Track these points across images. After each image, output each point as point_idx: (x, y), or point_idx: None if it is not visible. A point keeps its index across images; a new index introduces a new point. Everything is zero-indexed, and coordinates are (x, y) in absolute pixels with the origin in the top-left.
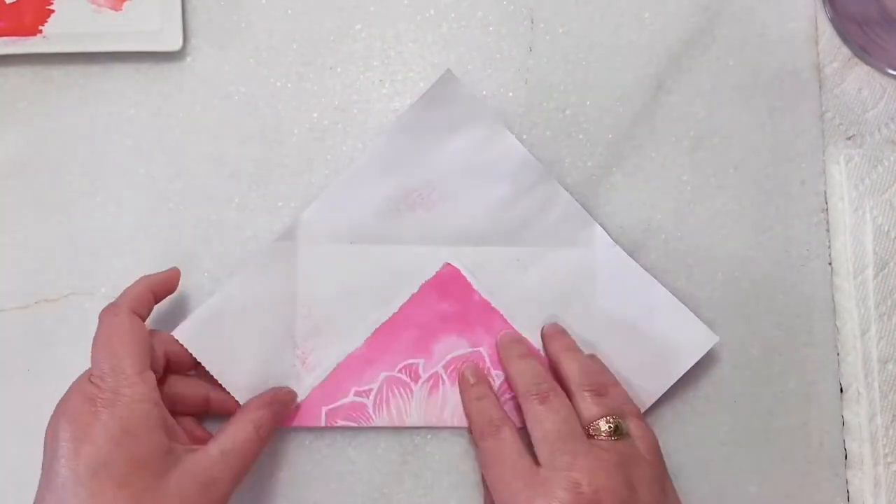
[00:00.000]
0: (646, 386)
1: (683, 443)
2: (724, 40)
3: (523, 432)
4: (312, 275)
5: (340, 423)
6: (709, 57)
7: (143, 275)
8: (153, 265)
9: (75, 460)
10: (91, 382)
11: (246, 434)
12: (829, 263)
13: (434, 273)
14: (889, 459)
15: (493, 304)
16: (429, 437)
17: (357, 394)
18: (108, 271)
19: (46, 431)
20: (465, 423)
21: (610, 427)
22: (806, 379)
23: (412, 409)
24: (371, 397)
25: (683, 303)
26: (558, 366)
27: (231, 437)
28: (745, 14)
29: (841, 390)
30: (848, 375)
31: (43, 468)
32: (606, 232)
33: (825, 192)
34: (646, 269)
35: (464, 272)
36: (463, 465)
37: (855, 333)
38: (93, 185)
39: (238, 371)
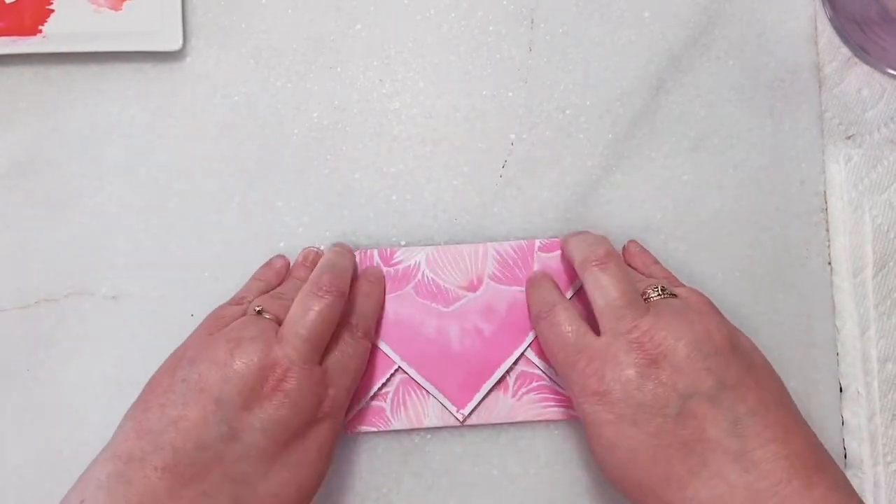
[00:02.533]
0: None
1: None
2: (723, 40)
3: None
4: None
5: (361, 429)
6: (709, 57)
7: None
8: (153, 265)
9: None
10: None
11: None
12: (829, 263)
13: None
14: (888, 459)
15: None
16: (429, 437)
17: (374, 398)
18: (108, 271)
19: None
20: (479, 421)
21: (658, 291)
22: (805, 378)
23: (429, 409)
24: (388, 401)
25: None
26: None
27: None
28: (744, 14)
29: (840, 390)
30: (847, 375)
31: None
32: (606, 232)
33: (825, 192)
34: None
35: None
36: (463, 465)
37: (854, 333)
38: (92, 184)
39: None
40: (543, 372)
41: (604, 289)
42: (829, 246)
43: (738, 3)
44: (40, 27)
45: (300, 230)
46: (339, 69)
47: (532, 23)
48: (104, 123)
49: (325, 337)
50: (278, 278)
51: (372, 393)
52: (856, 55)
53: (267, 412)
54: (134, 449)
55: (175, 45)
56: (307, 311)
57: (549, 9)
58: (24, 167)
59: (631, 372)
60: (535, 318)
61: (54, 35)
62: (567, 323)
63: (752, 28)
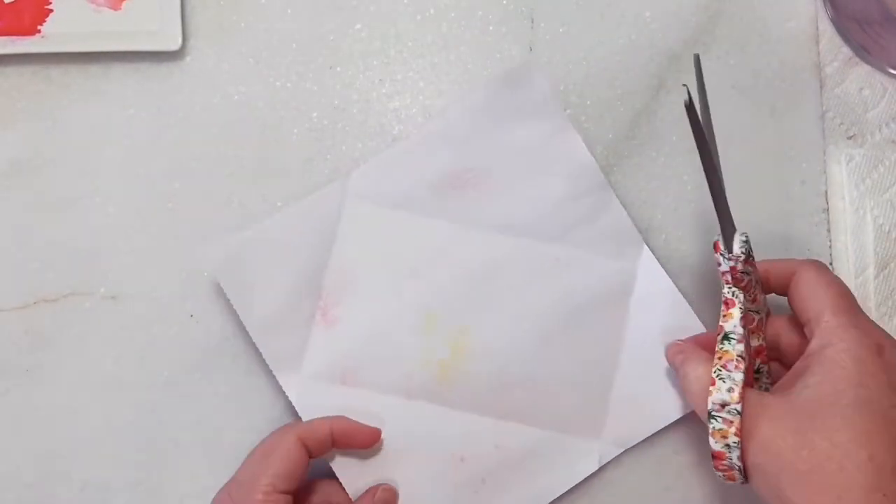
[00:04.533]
0: (659, 408)
1: (685, 443)
2: (724, 40)
3: None
4: (352, 231)
5: None
6: (709, 56)
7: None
8: (153, 265)
9: None
10: (227, 487)
11: None
12: (830, 263)
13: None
14: None
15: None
16: None
17: None
18: (108, 271)
19: None
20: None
21: None
22: None
23: None
24: None
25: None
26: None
27: None
28: (745, 13)
29: None
30: None
31: None
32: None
33: (826, 192)
34: None
35: None
36: None
37: None
38: (92, 184)
39: (256, 305)
40: None
41: None
42: (830, 246)
43: (739, 2)
44: (39, 27)
45: None
46: (338, 69)
47: (532, 22)
48: (103, 123)
49: None
50: None
51: None
52: (857, 55)
53: None
54: None
55: (174, 44)
56: None
57: (549, 8)
58: (23, 167)
59: None
60: None
61: (53, 35)
62: None
63: (752, 28)
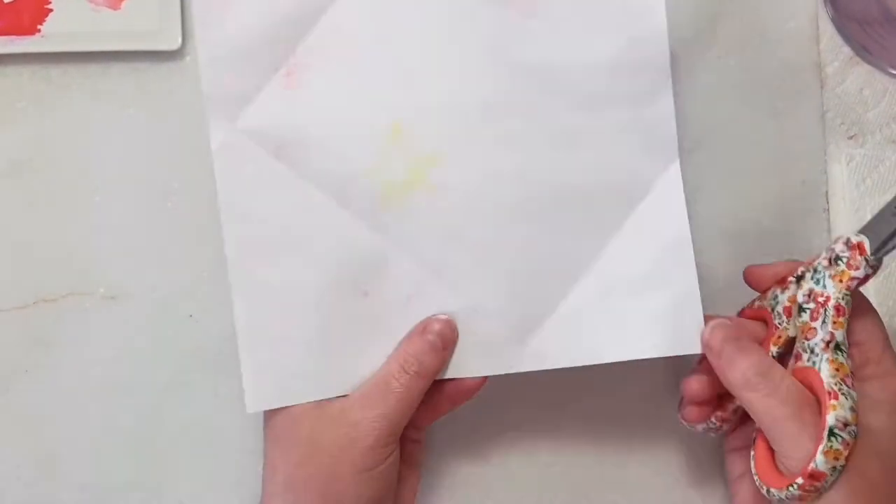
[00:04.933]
0: (596, 342)
1: (685, 443)
2: (724, 40)
3: None
4: None
5: None
6: (709, 56)
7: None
8: (152, 265)
9: None
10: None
11: (387, 370)
12: None
13: None
14: None
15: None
16: (428, 436)
17: None
18: (108, 271)
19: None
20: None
21: None
22: None
23: None
24: None
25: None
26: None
27: (373, 377)
28: (746, 13)
29: None
30: None
31: None
32: None
33: (826, 192)
34: None
35: None
36: (463, 465)
37: None
38: (91, 184)
39: (221, 26)
40: None
41: None
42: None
43: (739, 2)
44: (39, 26)
45: None
46: None
47: None
48: (103, 123)
49: None
50: None
51: None
52: (857, 55)
53: None
54: None
55: (174, 44)
56: None
57: None
58: (23, 166)
59: None
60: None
61: (53, 34)
62: None
63: (753, 27)
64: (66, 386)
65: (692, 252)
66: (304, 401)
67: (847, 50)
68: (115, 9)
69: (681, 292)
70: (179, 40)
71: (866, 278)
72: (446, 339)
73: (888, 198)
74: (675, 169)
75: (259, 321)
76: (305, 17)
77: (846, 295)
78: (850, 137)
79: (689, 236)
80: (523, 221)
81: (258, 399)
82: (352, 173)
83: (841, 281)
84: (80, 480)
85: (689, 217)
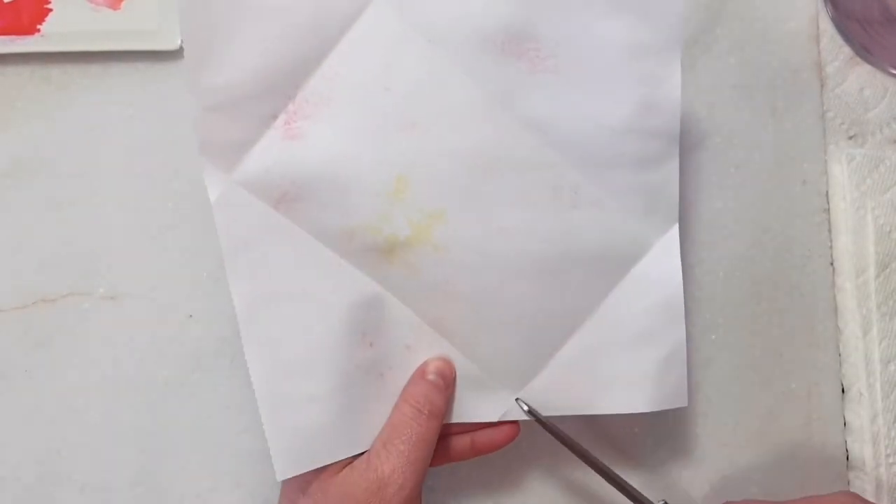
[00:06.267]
0: (590, 393)
1: (685, 443)
2: (725, 39)
3: None
4: (364, 39)
5: None
6: (710, 56)
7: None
8: (152, 265)
9: None
10: None
11: (402, 415)
12: (831, 263)
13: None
14: (891, 461)
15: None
16: None
17: None
18: (107, 271)
19: None
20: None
21: None
22: (807, 379)
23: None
24: None
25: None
26: None
27: (389, 423)
28: (746, 13)
29: (843, 391)
30: (850, 376)
31: None
32: None
33: (827, 192)
34: None
35: None
36: (463, 465)
37: (857, 334)
38: (91, 184)
39: (213, 72)
40: None
41: None
42: (831, 246)
43: (739, 2)
44: (38, 26)
45: None
46: None
47: None
48: (102, 123)
49: None
50: None
51: None
52: (858, 55)
53: None
54: None
55: (173, 44)
56: None
57: None
58: (22, 166)
59: None
60: None
61: (53, 34)
62: None
63: (753, 27)
64: (66, 385)
65: (683, 311)
66: (331, 461)
67: (847, 50)
68: (114, 9)
69: (670, 350)
70: (179, 40)
71: None
72: (446, 378)
73: (889, 197)
74: (674, 231)
75: (276, 381)
76: (306, 63)
77: None
78: (851, 137)
79: (682, 295)
80: (523, 278)
81: (287, 464)
82: (354, 228)
83: None
84: (79, 480)
85: (690, 216)
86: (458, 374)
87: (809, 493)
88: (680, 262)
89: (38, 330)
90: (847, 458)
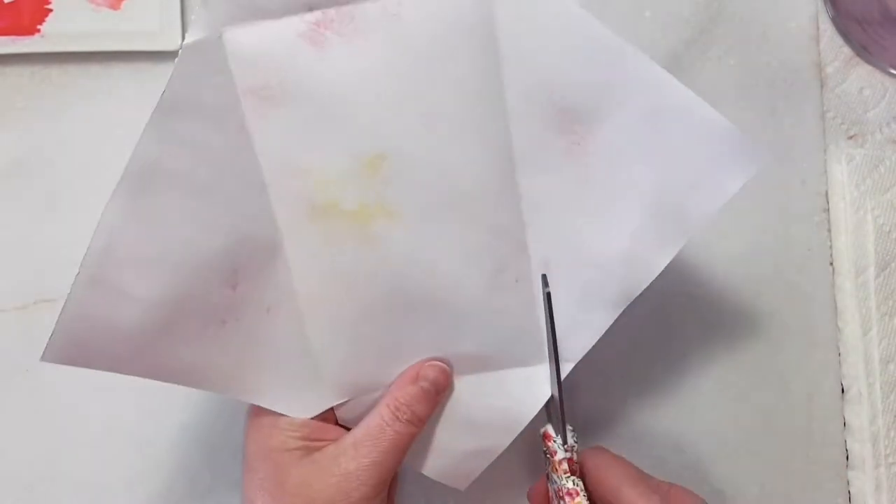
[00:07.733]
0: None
1: (685, 443)
2: (724, 39)
3: None
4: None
5: None
6: (709, 56)
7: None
8: None
9: None
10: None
11: (379, 418)
12: (831, 263)
13: None
14: (891, 460)
15: None
16: None
17: None
18: None
19: None
20: None
21: None
22: (807, 379)
23: None
24: None
25: (681, 305)
26: None
27: (364, 424)
28: (746, 13)
29: (842, 391)
30: (849, 376)
31: None
32: None
33: (826, 192)
34: None
35: None
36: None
37: (856, 334)
38: (91, 184)
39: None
40: None
41: None
42: (830, 246)
43: (740, 2)
44: (39, 26)
45: None
46: None
47: None
48: (103, 123)
49: None
50: None
51: None
52: (858, 55)
53: None
54: None
55: (174, 44)
56: None
57: None
58: (23, 167)
59: None
60: None
61: (53, 34)
62: None
63: (753, 27)
64: (66, 385)
65: (519, 432)
66: (109, 371)
67: (847, 50)
68: (115, 9)
69: (485, 448)
70: (179, 40)
71: (570, 461)
72: (440, 386)
73: (889, 197)
74: (548, 368)
75: (113, 259)
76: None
77: (568, 478)
78: (850, 137)
79: (526, 423)
80: (420, 326)
81: (61, 350)
82: (305, 169)
83: (556, 470)
84: (79, 480)
85: None
86: (292, 365)
87: (810, 492)
88: (542, 402)
89: (39, 330)
90: (847, 458)
